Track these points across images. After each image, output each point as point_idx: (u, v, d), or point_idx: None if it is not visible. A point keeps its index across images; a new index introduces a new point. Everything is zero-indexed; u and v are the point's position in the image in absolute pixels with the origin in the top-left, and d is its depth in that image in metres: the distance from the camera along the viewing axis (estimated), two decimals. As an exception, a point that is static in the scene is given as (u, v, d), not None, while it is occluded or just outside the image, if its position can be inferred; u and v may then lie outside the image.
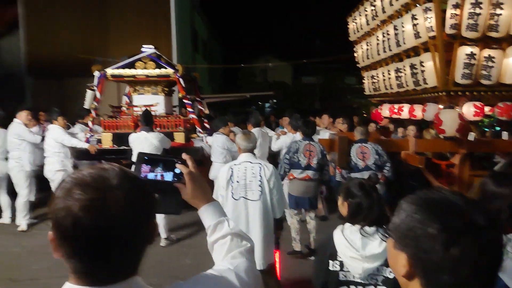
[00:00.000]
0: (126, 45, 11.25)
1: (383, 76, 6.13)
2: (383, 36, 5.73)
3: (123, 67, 5.91)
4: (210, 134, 6.37)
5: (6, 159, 5.48)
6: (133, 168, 1.07)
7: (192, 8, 15.60)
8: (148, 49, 6.11)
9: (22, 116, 5.41)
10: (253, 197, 3.00)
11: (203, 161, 6.01)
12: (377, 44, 6.08)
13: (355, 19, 7.14)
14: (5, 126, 5.54)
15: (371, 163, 4.44)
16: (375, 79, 6.69)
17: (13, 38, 13.10)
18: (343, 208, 2.08)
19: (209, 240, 1.09)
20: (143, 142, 4.88)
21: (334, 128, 6.22)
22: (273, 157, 6.35)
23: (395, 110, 5.86)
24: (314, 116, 8.55)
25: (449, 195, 0.77)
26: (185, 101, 6.20)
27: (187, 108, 6.34)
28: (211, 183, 5.43)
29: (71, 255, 0.73)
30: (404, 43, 4.95)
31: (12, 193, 5.66)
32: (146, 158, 1.06)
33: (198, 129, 6.24)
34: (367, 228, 1.88)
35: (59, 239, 0.73)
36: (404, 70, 5.18)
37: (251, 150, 3.14)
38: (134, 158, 4.89)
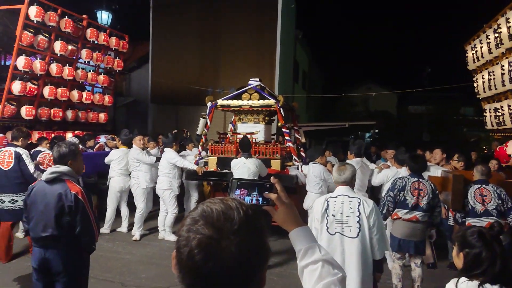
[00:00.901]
0: (234, 77, 12.24)
1: (509, 109, 5.36)
2: (510, 66, 5.06)
3: (231, 98, 6.37)
4: (306, 163, 6.35)
5: (129, 175, 6.34)
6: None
7: (295, 40, 16.19)
8: (254, 82, 6.48)
9: (136, 142, 6.12)
10: (350, 234, 2.81)
11: (297, 190, 5.99)
12: (502, 74, 5.39)
13: (475, 47, 6.49)
14: (131, 146, 6.46)
15: (492, 208, 3.83)
16: (499, 112, 5.89)
17: (143, 70, 15.41)
18: (458, 259, 1.81)
19: (300, 265, 1.08)
20: (242, 167, 5.12)
21: (447, 165, 5.54)
22: (371, 192, 5.97)
23: (525, 149, 5.03)
24: (422, 150, 7.82)
25: None
26: (283, 130, 6.33)
27: (285, 137, 6.46)
28: (305, 213, 5.38)
29: (181, 280, 0.77)
30: (538, 73, 4.28)
31: (131, 206, 6.46)
32: (238, 183, 1.13)
33: (294, 157, 6.27)
34: (488, 286, 1.62)
35: (177, 262, 0.77)
36: (538, 103, 4.45)
37: (346, 183, 2.95)
38: (235, 179, 5.16)
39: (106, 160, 6.33)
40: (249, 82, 6.54)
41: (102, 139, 8.18)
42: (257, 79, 6.59)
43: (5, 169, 4.75)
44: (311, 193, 5.31)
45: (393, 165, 5.38)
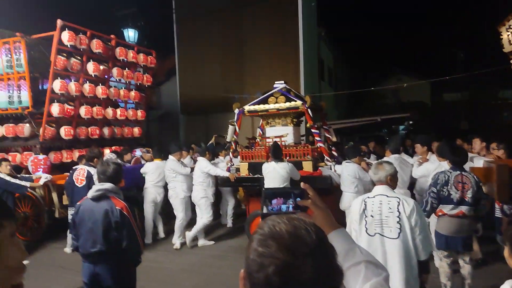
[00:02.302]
0: (260, 82, 12.29)
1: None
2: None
3: (258, 103, 6.41)
4: (338, 162, 6.25)
5: (162, 187, 6.55)
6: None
7: (319, 39, 16.01)
8: (279, 85, 6.49)
9: (177, 155, 6.33)
10: (391, 234, 2.72)
11: (331, 190, 5.91)
12: (543, 53, 5.06)
13: (510, 28, 6.15)
14: (164, 157, 6.67)
15: (544, 197, 3.61)
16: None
17: (171, 83, 15.84)
18: (511, 259, 1.72)
19: None
20: (272, 171, 5.12)
21: (489, 155, 5.26)
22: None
23: None
24: (462, 140, 7.46)
25: None
26: (312, 130, 6.28)
27: (315, 137, 6.40)
28: (342, 213, 5.30)
29: None
30: None
31: (170, 215, 6.65)
32: (272, 192, 1.15)
33: (326, 157, 6.19)
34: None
35: (251, 285, 0.76)
36: None
37: (382, 182, 2.86)
38: (266, 185, 5.17)
39: (142, 171, 6.60)
40: (274, 86, 6.55)
41: (138, 152, 8.49)
42: (282, 82, 6.59)
43: (78, 186, 5.37)
44: (347, 193, 5.22)
45: (433, 158, 5.13)
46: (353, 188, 5.13)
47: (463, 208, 3.66)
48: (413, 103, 25.28)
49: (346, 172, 5.23)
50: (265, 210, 1.16)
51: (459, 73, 13.07)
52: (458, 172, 3.74)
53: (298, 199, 1.12)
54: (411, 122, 22.71)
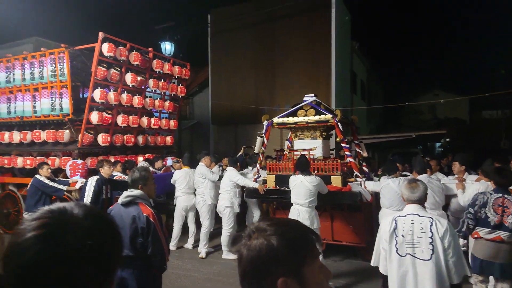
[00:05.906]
0: (290, 94, 12.33)
1: None
2: None
3: (287, 115, 6.41)
4: (369, 178, 6.09)
5: (193, 193, 6.67)
6: None
7: (352, 51, 15.87)
8: (309, 98, 6.47)
9: (207, 160, 6.56)
10: (422, 256, 2.63)
11: (361, 207, 5.76)
12: None
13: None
14: (192, 165, 6.82)
15: None
16: None
17: (204, 94, 16.23)
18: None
19: None
20: (298, 185, 5.04)
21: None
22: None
23: None
24: (502, 159, 7.02)
25: None
26: (342, 145, 6.17)
27: (345, 152, 6.29)
28: (372, 231, 5.15)
29: None
30: None
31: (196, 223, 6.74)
32: None
33: (356, 173, 6.06)
34: None
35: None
36: None
37: (418, 202, 2.79)
38: (292, 199, 5.11)
39: (172, 180, 6.76)
40: (304, 98, 6.54)
41: (169, 161, 8.70)
42: (312, 95, 6.56)
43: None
44: (386, 210, 5.04)
45: (481, 179, 4.81)
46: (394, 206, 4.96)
47: (502, 233, 3.46)
48: (450, 120, 24.35)
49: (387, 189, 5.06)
50: None
51: (499, 90, 12.48)
52: (500, 194, 3.55)
53: None
54: (448, 140, 21.81)
